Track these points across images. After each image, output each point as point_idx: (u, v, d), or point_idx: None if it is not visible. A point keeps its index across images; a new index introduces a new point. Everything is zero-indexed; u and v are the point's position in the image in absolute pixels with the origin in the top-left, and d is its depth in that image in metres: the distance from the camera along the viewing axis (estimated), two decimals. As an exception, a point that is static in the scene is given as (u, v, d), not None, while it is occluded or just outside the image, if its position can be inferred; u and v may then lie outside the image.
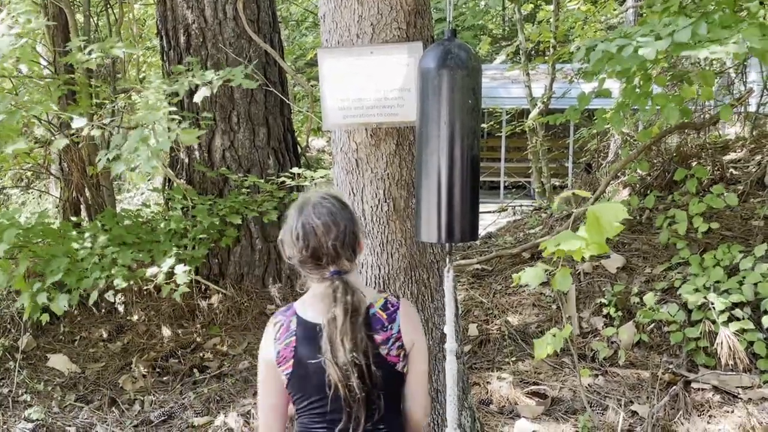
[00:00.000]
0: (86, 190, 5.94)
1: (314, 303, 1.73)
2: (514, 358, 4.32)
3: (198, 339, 5.04)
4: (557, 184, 10.12)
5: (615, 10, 9.06)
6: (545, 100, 8.35)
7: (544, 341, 2.52)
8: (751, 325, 3.87)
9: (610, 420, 3.57)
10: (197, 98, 3.99)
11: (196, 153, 5.66)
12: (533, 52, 11.14)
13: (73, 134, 4.68)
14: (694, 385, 3.79)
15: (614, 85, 4.53)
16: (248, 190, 5.33)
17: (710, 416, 3.57)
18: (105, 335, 5.17)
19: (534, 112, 8.44)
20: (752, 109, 7.01)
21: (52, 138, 5.33)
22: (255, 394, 4.10)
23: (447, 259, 1.90)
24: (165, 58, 5.85)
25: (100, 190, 6.11)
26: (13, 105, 3.84)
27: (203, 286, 5.47)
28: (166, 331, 5.10)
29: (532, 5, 10.18)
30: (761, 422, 3.43)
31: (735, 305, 3.97)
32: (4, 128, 3.73)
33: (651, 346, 4.23)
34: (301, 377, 1.71)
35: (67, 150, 5.55)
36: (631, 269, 4.87)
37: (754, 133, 6.60)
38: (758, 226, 4.75)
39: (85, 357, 4.89)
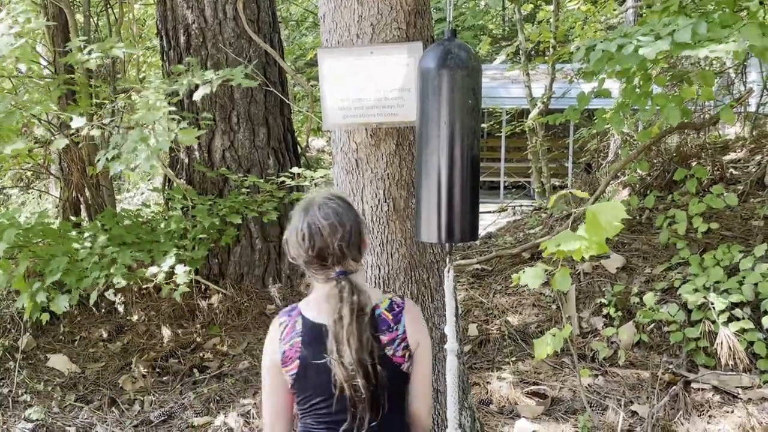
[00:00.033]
0: (86, 190, 5.94)
1: (319, 303, 1.72)
2: (514, 358, 4.32)
3: (198, 339, 5.04)
4: (557, 184, 10.10)
5: (615, 10, 9.06)
6: (545, 100, 8.36)
7: (544, 341, 2.52)
8: (751, 325, 3.88)
9: (610, 420, 3.56)
10: (197, 96, 3.99)
11: (196, 153, 5.66)
12: (533, 52, 11.13)
13: (72, 134, 4.67)
14: (694, 385, 3.79)
15: (614, 85, 4.52)
16: (248, 190, 5.33)
17: (710, 416, 3.57)
18: (105, 335, 5.16)
19: (534, 112, 8.45)
20: (752, 109, 7.01)
21: (52, 138, 5.33)
22: (255, 394, 4.10)
23: (447, 259, 1.90)
24: (165, 58, 5.85)
25: (100, 190, 6.11)
26: (13, 105, 3.83)
27: (203, 286, 5.47)
28: (166, 331, 5.10)
29: (532, 5, 10.18)
30: (761, 422, 3.43)
31: (735, 305, 3.97)
32: (2, 128, 3.73)
33: (651, 346, 4.22)
34: (307, 378, 1.71)
35: (66, 150, 5.55)
36: (631, 269, 4.87)
37: (754, 133, 6.60)
38: (758, 226, 4.75)
39: (85, 357, 4.89)
